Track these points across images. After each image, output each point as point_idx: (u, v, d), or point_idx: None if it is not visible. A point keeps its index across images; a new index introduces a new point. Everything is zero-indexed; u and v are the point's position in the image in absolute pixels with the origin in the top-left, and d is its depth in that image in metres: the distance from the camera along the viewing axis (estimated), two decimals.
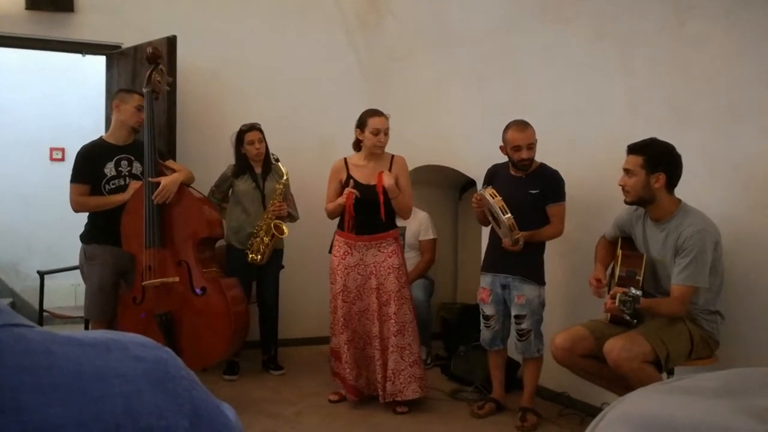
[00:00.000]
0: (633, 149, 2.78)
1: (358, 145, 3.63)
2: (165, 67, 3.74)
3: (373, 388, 3.63)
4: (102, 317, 3.60)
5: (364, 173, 3.56)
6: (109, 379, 0.49)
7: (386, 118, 3.52)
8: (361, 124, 3.54)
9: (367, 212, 3.49)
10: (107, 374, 0.50)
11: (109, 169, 3.58)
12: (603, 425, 0.55)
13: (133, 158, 3.64)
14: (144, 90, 3.59)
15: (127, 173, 3.63)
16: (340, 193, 3.56)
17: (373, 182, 3.52)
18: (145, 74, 3.61)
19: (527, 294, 3.36)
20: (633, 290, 2.53)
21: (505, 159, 3.47)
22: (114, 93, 3.69)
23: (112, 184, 3.60)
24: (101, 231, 3.58)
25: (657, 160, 2.72)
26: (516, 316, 3.40)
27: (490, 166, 3.61)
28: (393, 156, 3.60)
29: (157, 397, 0.51)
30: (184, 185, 3.65)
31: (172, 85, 4.09)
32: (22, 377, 0.45)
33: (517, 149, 3.32)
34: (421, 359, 3.68)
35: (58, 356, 0.48)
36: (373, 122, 3.48)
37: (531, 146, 3.35)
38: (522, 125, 3.35)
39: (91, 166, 3.57)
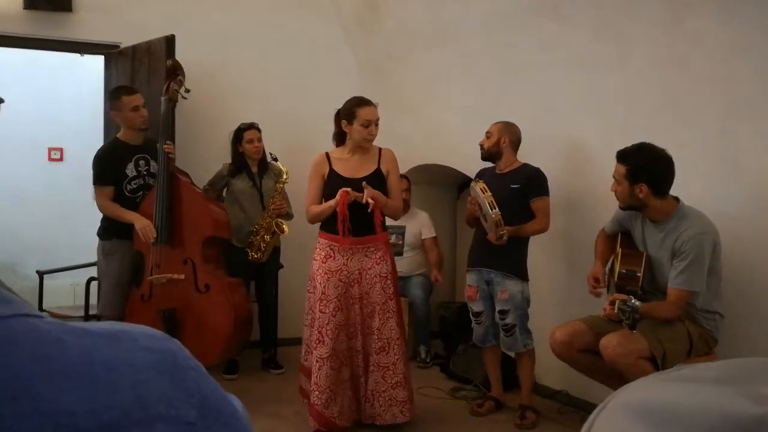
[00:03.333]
0: (619, 157, 2.79)
1: (341, 138, 3.29)
2: (184, 78, 3.80)
3: (346, 417, 3.17)
4: (118, 314, 3.62)
5: (348, 167, 3.19)
6: (119, 368, 0.50)
7: (375, 107, 3.17)
8: (348, 116, 3.15)
9: (354, 211, 3.08)
10: (117, 364, 0.50)
11: (130, 169, 3.66)
12: (604, 414, 0.55)
13: (149, 157, 3.71)
14: (162, 98, 3.71)
15: (145, 172, 3.71)
16: (324, 191, 3.21)
17: (358, 175, 3.15)
18: (163, 84, 3.73)
19: (510, 289, 3.39)
20: (633, 300, 2.52)
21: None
22: (108, 96, 3.68)
23: (134, 184, 3.67)
24: (118, 226, 3.62)
25: (638, 170, 2.71)
26: (500, 311, 3.43)
27: (487, 163, 3.63)
28: (381, 149, 3.26)
29: (165, 387, 0.52)
30: (189, 184, 3.71)
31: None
32: (34, 365, 0.46)
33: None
34: (408, 380, 3.24)
35: (69, 345, 0.49)
36: (363, 113, 3.12)
37: (488, 134, 3.48)
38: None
39: (112, 168, 3.63)
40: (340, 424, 3.14)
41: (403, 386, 3.17)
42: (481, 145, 3.53)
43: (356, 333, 3.16)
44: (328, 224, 3.17)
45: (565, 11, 3.65)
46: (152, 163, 3.71)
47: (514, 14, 3.95)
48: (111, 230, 3.66)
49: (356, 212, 3.08)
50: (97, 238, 3.74)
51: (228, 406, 0.60)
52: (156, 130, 3.69)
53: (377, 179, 3.18)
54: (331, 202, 3.10)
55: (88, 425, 0.46)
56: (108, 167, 3.62)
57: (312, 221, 3.27)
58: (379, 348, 3.14)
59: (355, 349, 3.18)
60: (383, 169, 3.22)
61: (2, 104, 0.58)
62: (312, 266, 3.22)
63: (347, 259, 3.14)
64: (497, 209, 3.18)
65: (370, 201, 3.04)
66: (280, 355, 4.40)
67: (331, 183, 3.17)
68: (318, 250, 3.21)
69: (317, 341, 3.10)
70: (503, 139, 3.47)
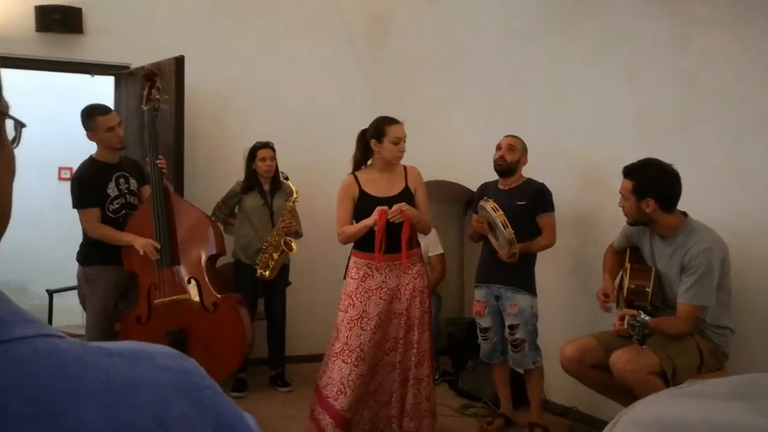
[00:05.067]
0: (625, 173, 2.80)
1: (362, 159, 3.32)
2: (162, 84, 3.73)
3: (361, 426, 3.22)
4: (104, 340, 3.55)
5: (378, 187, 3.21)
6: (139, 387, 0.51)
7: (403, 124, 3.22)
8: (377, 134, 3.18)
9: (388, 228, 3.11)
10: (136, 383, 0.51)
11: (111, 189, 3.51)
12: (617, 430, 0.56)
13: (128, 175, 3.59)
14: (144, 108, 3.62)
15: (126, 191, 3.57)
16: (355, 213, 3.22)
17: (390, 194, 3.18)
18: (143, 92, 3.64)
19: (520, 304, 3.38)
20: (642, 315, 2.51)
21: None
22: (81, 116, 3.47)
23: (116, 204, 3.53)
24: (101, 251, 3.48)
25: (644, 186, 2.72)
26: (510, 326, 3.41)
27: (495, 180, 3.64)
28: (405, 167, 3.28)
29: (183, 406, 0.53)
30: (185, 201, 3.70)
31: (179, 105, 4.15)
32: (57, 385, 0.47)
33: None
34: (434, 391, 3.34)
35: (89, 365, 0.50)
36: (393, 131, 3.15)
37: (512, 147, 3.46)
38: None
39: (94, 188, 3.48)
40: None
41: (431, 398, 3.27)
42: (503, 157, 3.45)
43: (395, 347, 3.18)
44: (364, 243, 3.18)
45: (574, 29, 3.68)
46: (131, 180, 3.59)
47: (523, 32, 3.99)
48: (93, 256, 3.49)
49: (390, 230, 3.11)
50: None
51: (242, 424, 0.61)
52: (141, 144, 3.59)
53: (407, 197, 3.21)
54: (367, 221, 3.12)
55: None
56: (90, 188, 3.46)
57: (345, 242, 3.28)
58: (417, 361, 3.18)
59: (391, 365, 3.19)
60: (411, 186, 3.25)
61: (23, 128, 0.59)
62: (347, 285, 3.22)
63: (385, 276, 3.17)
64: (510, 228, 3.18)
65: (410, 214, 3.08)
66: (288, 372, 4.39)
67: (364, 204, 3.19)
68: (355, 269, 3.21)
69: (357, 359, 3.10)
70: (523, 160, 3.50)
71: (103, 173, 3.52)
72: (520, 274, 3.39)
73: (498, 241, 3.34)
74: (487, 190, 3.57)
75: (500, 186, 3.53)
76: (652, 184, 2.72)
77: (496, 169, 3.51)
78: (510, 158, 3.46)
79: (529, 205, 3.39)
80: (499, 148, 3.50)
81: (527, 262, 3.41)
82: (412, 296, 3.17)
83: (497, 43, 4.14)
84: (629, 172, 2.78)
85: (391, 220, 3.07)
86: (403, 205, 3.08)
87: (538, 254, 3.48)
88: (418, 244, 3.30)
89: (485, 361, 3.63)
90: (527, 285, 3.42)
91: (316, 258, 4.71)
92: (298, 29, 4.89)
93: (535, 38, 3.90)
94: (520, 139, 3.51)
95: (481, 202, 3.37)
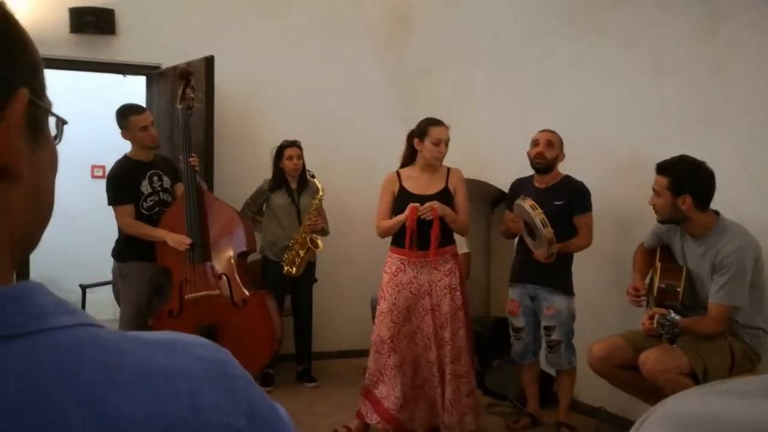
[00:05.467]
0: (660, 169, 2.74)
1: (409, 157, 3.39)
2: (196, 83, 3.80)
3: (416, 422, 3.33)
4: None
5: (418, 184, 3.30)
6: (174, 376, 0.52)
7: (447, 128, 3.28)
8: (420, 134, 3.27)
9: (422, 226, 3.20)
10: (172, 372, 0.52)
11: (145, 186, 3.60)
12: (646, 426, 0.56)
13: (161, 173, 3.68)
14: (179, 107, 3.69)
15: (159, 188, 3.66)
16: (393, 207, 3.31)
17: (427, 192, 3.26)
18: (177, 92, 3.70)
19: (557, 305, 3.33)
20: (672, 314, 2.47)
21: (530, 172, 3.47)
22: (116, 116, 3.56)
23: (150, 201, 3.62)
24: (136, 247, 3.56)
25: (682, 182, 2.66)
26: (546, 327, 3.37)
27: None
28: (449, 168, 3.36)
29: (217, 395, 0.54)
30: (217, 198, 3.74)
31: (209, 104, 4.20)
32: (98, 373, 0.48)
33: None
34: (476, 387, 3.41)
35: (128, 354, 0.51)
36: (435, 132, 3.23)
37: (550, 143, 3.34)
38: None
39: (128, 186, 3.57)
40: (410, 428, 3.29)
41: (474, 394, 3.33)
42: (542, 154, 3.34)
43: (430, 344, 3.25)
44: (399, 239, 3.28)
45: (597, 22, 3.63)
46: (165, 178, 3.67)
47: (545, 26, 3.95)
48: (128, 252, 3.58)
49: (423, 227, 3.19)
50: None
51: (275, 414, 0.61)
52: (171, 143, 3.65)
53: (445, 196, 3.28)
54: (401, 217, 3.22)
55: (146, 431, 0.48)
56: (124, 186, 3.55)
57: (382, 235, 3.39)
58: (453, 358, 3.24)
59: (429, 361, 3.27)
60: (451, 187, 3.32)
61: (65, 125, 0.61)
62: (383, 278, 3.35)
63: (417, 272, 3.26)
64: (550, 227, 3.11)
65: (441, 214, 3.16)
66: (315, 368, 4.42)
67: (401, 200, 3.29)
68: (389, 264, 3.33)
69: (389, 349, 3.25)
70: (561, 156, 3.39)
71: (137, 171, 3.61)
72: (557, 275, 3.32)
73: (534, 241, 3.27)
74: (520, 187, 3.48)
75: (536, 183, 3.42)
76: (689, 180, 2.67)
77: (534, 167, 3.39)
78: (549, 155, 3.34)
79: (566, 204, 3.30)
80: (536, 143, 3.37)
81: (564, 262, 3.34)
82: (442, 293, 3.23)
83: (518, 37, 4.11)
84: (663, 168, 2.72)
85: (421, 217, 3.14)
86: (435, 203, 3.16)
87: None
88: (454, 243, 3.34)
89: (516, 361, 3.59)
90: (564, 286, 3.35)
91: (343, 256, 4.74)
92: (322, 27, 4.93)
93: (557, 32, 3.86)
94: (557, 133, 3.39)
95: (518, 201, 3.28)
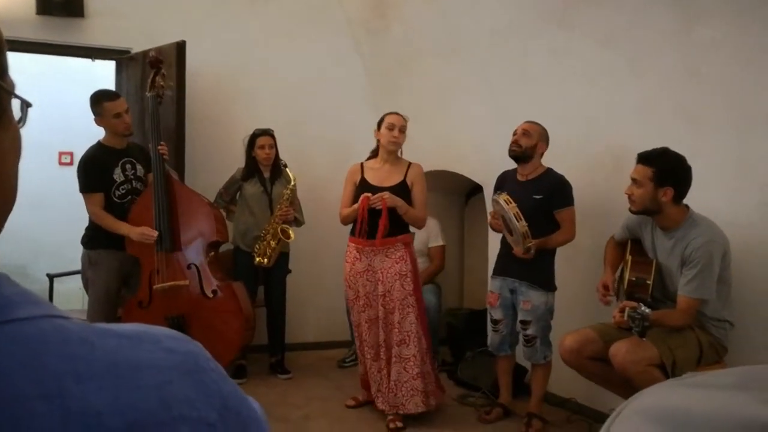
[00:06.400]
0: (643, 159, 2.74)
1: (377, 151, 3.57)
2: (166, 70, 3.74)
3: (380, 402, 3.53)
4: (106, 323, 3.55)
5: (378, 176, 3.48)
6: (143, 369, 0.51)
7: (403, 117, 3.47)
8: (379, 123, 3.50)
9: (373, 215, 3.37)
10: (141, 365, 0.51)
11: (117, 174, 3.55)
12: (620, 420, 0.56)
13: (135, 161, 3.63)
14: (148, 95, 3.63)
15: (132, 177, 3.61)
16: (354, 196, 3.48)
17: (385, 184, 3.43)
18: (147, 79, 3.64)
19: (533, 300, 3.35)
20: (643, 308, 2.50)
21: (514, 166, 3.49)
22: (90, 102, 3.51)
23: (122, 189, 3.57)
24: (105, 235, 3.52)
25: (666, 174, 2.68)
26: (522, 322, 3.40)
27: (497, 170, 3.62)
28: (410, 164, 3.52)
29: (188, 389, 0.53)
30: (186, 187, 3.69)
31: (180, 90, 4.13)
32: (64, 365, 0.47)
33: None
34: (430, 374, 3.51)
35: (95, 346, 0.50)
36: (388, 118, 3.45)
37: (526, 132, 3.37)
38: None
39: (100, 173, 3.52)
40: (378, 406, 3.55)
41: (423, 377, 3.43)
42: (517, 142, 3.36)
43: (379, 327, 3.45)
44: (354, 229, 3.46)
45: (575, 20, 3.65)
46: (138, 167, 3.62)
47: (523, 23, 3.96)
48: (98, 239, 3.54)
49: (375, 217, 3.36)
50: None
51: (247, 407, 0.60)
52: (142, 130, 3.59)
53: (402, 189, 3.45)
54: (356, 206, 3.40)
55: (114, 425, 0.46)
56: (96, 173, 3.50)
57: (343, 222, 3.58)
58: (399, 341, 3.41)
59: (378, 344, 3.48)
60: (408, 181, 3.48)
61: (29, 108, 0.59)
62: (344, 269, 3.57)
63: (370, 260, 3.46)
64: (524, 221, 3.12)
65: (382, 203, 3.32)
66: (288, 359, 4.40)
67: (361, 190, 3.46)
68: (347, 253, 3.55)
69: (358, 335, 3.57)
70: (540, 146, 3.39)
71: (110, 158, 3.56)
72: (536, 270, 3.32)
73: (513, 237, 3.28)
74: (505, 180, 3.51)
75: (518, 176, 3.43)
76: (673, 173, 2.69)
77: (510, 155, 3.40)
78: (525, 143, 3.34)
79: (545, 199, 3.30)
80: (514, 133, 3.41)
81: (545, 257, 3.33)
82: (393, 279, 3.41)
83: (498, 33, 4.11)
84: (646, 158, 2.72)
85: (372, 207, 3.33)
86: (386, 194, 3.33)
87: None
88: (407, 233, 3.50)
89: (492, 353, 3.62)
90: (543, 281, 3.35)
91: (317, 246, 4.72)
92: (299, 16, 4.87)
93: (535, 29, 3.87)
94: (538, 125, 3.39)
95: (494, 196, 3.30)
